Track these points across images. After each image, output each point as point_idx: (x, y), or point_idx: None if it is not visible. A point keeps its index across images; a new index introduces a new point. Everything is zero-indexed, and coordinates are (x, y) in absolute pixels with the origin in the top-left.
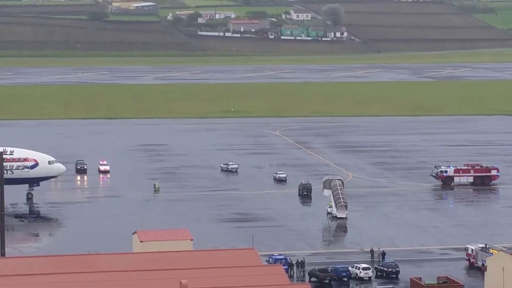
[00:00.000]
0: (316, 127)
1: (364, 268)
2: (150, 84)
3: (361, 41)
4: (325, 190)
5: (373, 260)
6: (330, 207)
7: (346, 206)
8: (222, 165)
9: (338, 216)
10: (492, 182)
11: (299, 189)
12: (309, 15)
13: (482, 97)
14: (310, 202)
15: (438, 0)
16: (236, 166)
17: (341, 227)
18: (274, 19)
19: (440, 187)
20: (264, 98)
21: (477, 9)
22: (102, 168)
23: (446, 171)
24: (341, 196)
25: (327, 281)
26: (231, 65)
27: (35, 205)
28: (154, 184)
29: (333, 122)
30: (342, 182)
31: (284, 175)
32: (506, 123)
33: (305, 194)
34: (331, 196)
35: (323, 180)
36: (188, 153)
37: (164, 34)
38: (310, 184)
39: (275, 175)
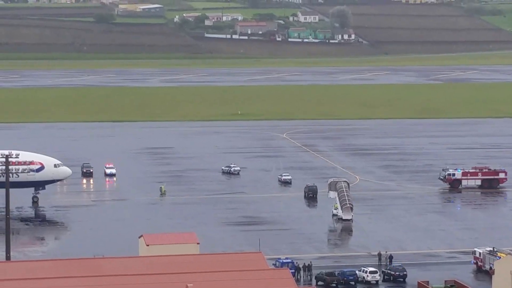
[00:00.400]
0: (323, 129)
1: (371, 272)
2: (157, 87)
3: (369, 43)
4: (331, 192)
5: (381, 264)
6: (335, 209)
7: (351, 208)
8: (223, 168)
9: (343, 218)
10: (500, 185)
11: (305, 191)
12: (317, 17)
13: (490, 100)
14: (316, 205)
15: (446, 2)
16: (238, 168)
17: (346, 229)
18: (281, 21)
19: (448, 190)
20: (271, 101)
21: (485, 11)
22: (108, 171)
23: (454, 174)
24: (346, 198)
25: (334, 284)
26: (238, 67)
27: (41, 209)
28: (161, 187)
29: (341, 125)
30: (348, 184)
31: (289, 177)
32: None
33: (311, 196)
34: (337, 198)
35: (329, 182)
36: (195, 156)
37: (171, 37)
38: (316, 186)
39: (280, 177)
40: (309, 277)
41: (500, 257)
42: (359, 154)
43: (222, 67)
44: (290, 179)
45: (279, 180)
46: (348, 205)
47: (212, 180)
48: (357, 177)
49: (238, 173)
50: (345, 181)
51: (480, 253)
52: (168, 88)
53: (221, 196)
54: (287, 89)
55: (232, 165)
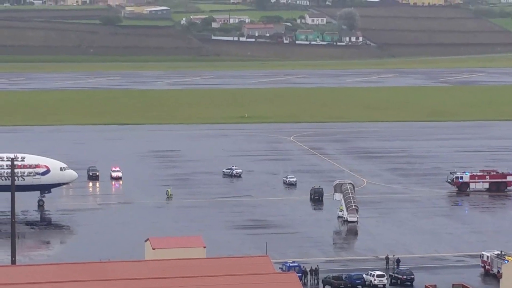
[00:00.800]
0: (330, 132)
1: (378, 276)
2: (163, 90)
3: (377, 45)
4: (336, 194)
5: (388, 267)
6: (341, 211)
7: (357, 210)
8: (224, 170)
9: (349, 220)
10: (508, 188)
11: (310, 193)
12: (324, 19)
13: (498, 102)
14: (322, 207)
15: (454, 5)
16: (240, 170)
17: (352, 231)
18: (289, 24)
19: (455, 193)
20: (278, 103)
21: (493, 13)
22: (114, 174)
23: (461, 177)
24: (352, 200)
25: None
26: (245, 70)
27: (47, 212)
28: (167, 190)
29: (348, 128)
30: (353, 186)
31: (294, 179)
32: None
33: (317, 198)
34: (342, 200)
35: (334, 184)
36: (202, 159)
37: (178, 39)
38: (321, 188)
39: (285, 179)
40: (316, 281)
41: (508, 261)
42: (367, 157)
43: (229, 70)
44: (295, 181)
45: (284, 182)
46: (353, 207)
47: (218, 183)
48: (365, 180)
49: (240, 176)
50: (350, 183)
51: (487, 256)
52: (175, 90)
53: (227, 199)
54: (294, 91)
55: (234, 167)
